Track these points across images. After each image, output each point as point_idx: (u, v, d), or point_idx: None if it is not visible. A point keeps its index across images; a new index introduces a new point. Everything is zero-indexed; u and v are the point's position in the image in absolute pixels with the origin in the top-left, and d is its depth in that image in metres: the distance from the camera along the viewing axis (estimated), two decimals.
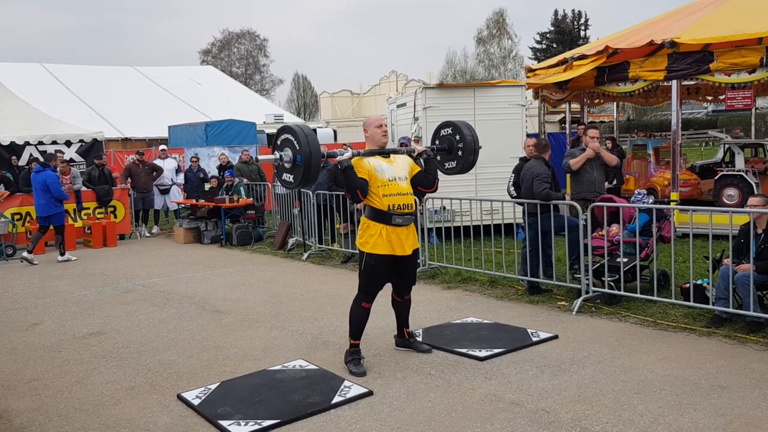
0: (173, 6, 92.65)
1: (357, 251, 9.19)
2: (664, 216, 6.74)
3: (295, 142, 4.61)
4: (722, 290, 5.64)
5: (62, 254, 10.81)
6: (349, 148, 4.98)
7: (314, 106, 57.70)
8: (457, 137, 5.49)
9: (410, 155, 5.25)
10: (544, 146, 7.31)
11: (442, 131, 5.63)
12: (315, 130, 21.17)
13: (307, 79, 63.96)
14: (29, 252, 10.61)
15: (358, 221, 9.12)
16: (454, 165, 5.55)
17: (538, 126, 14.32)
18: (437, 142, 5.60)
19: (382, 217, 4.91)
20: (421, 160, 5.25)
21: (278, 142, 4.80)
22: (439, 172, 5.41)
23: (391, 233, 4.91)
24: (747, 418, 3.94)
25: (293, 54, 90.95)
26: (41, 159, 13.57)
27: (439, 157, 5.54)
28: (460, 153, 5.48)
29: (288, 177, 4.76)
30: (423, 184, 5.19)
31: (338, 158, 4.84)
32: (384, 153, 5.08)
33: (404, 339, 5.48)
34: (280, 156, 4.71)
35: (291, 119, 30.39)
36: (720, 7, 10.75)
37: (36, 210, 10.76)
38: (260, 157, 5.03)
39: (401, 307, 5.37)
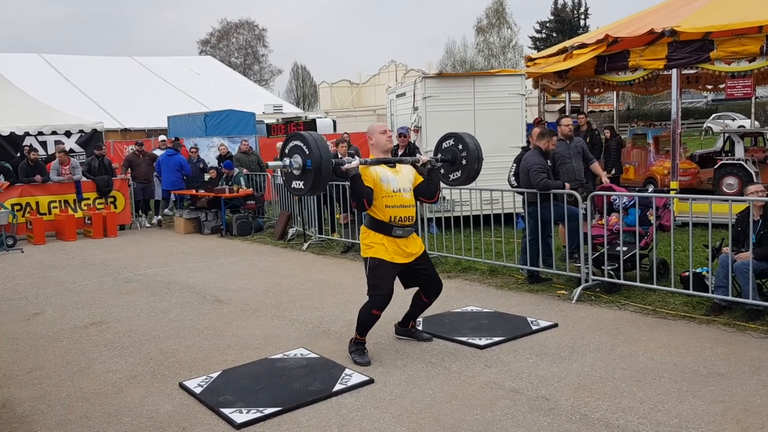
0: None
1: (357, 241, 9.28)
2: (664, 205, 6.74)
3: (304, 148, 4.57)
4: (721, 278, 5.66)
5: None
6: (356, 157, 4.97)
7: (313, 96, 57.62)
8: (460, 146, 5.48)
9: (414, 165, 5.23)
10: (540, 135, 7.28)
11: (444, 143, 5.61)
12: (314, 120, 21.25)
13: (306, 69, 63.96)
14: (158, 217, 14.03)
15: (358, 211, 9.20)
16: (459, 175, 5.54)
17: (539, 115, 14.31)
18: (440, 155, 5.57)
19: (383, 228, 4.90)
20: (425, 170, 5.22)
21: (286, 150, 4.75)
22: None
23: (392, 243, 4.91)
24: (745, 405, 3.97)
25: (292, 44, 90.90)
26: (40, 150, 13.61)
27: (443, 170, 5.54)
28: (464, 162, 5.46)
29: (298, 184, 4.71)
30: (425, 194, 5.15)
31: (345, 166, 4.82)
32: (389, 162, 5.06)
33: (406, 328, 5.49)
34: (290, 162, 4.66)
35: (290, 109, 30.38)
36: None
37: (164, 184, 13.66)
38: (270, 164, 4.97)
39: (421, 305, 5.35)
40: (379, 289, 4.91)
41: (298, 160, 4.63)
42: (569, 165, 7.72)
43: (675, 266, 6.32)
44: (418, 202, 5.21)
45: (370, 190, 4.84)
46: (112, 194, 13.01)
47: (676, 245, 6.39)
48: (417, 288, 5.29)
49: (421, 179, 5.17)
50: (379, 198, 4.87)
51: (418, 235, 5.24)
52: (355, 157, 5.01)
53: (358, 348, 5.02)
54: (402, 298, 5.49)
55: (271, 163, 4.92)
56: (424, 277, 5.16)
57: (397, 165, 5.11)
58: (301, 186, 4.70)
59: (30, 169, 12.34)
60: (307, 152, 4.56)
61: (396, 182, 4.96)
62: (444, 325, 5.77)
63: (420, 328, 5.64)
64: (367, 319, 4.97)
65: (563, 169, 7.68)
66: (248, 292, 7.42)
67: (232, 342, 5.63)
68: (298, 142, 4.66)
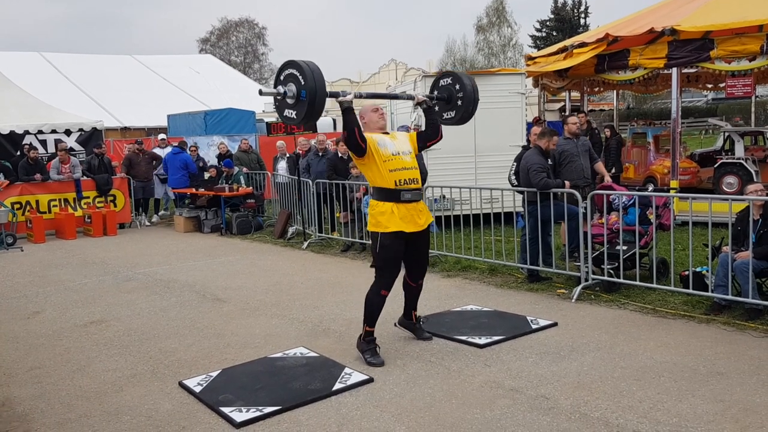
0: None
1: (357, 240, 9.29)
2: (664, 204, 6.74)
3: (300, 77, 4.46)
4: (721, 277, 5.66)
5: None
6: (351, 92, 4.89)
7: None
8: (457, 86, 5.45)
9: (410, 99, 5.29)
10: (540, 134, 7.29)
11: (442, 81, 5.57)
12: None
13: None
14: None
15: (358, 210, 9.21)
16: (453, 115, 5.52)
17: (539, 113, 14.31)
18: (436, 92, 5.54)
19: (391, 195, 4.85)
20: (421, 110, 5.27)
21: (281, 77, 4.64)
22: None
23: (402, 210, 4.86)
24: (745, 404, 3.97)
25: (292, 43, 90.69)
26: (40, 148, 13.61)
27: (437, 108, 5.51)
28: (459, 102, 5.44)
29: (290, 113, 4.62)
30: (428, 136, 5.20)
31: (340, 99, 4.75)
32: (386, 97, 5.07)
33: (410, 321, 5.45)
34: (284, 90, 4.56)
35: None
36: None
37: (171, 183, 13.90)
38: (262, 89, 4.89)
39: (413, 291, 5.33)
40: (388, 268, 4.89)
41: (292, 88, 4.53)
42: (577, 163, 7.69)
43: (675, 265, 6.32)
44: (428, 151, 5.26)
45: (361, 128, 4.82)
46: (111, 193, 13.03)
47: (675, 244, 6.39)
48: (404, 279, 5.29)
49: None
50: (380, 163, 4.84)
51: (431, 214, 5.24)
52: (351, 92, 4.91)
53: (369, 347, 4.94)
54: (402, 297, 5.49)
55: (264, 89, 4.86)
56: (417, 255, 5.12)
57: (393, 132, 5.17)
58: (294, 116, 4.62)
59: (30, 167, 12.34)
60: (303, 82, 4.45)
61: (393, 146, 4.95)
62: (444, 324, 5.76)
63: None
64: (375, 302, 4.92)
65: (571, 167, 7.64)
66: (248, 291, 7.42)
67: (232, 341, 5.63)
68: (293, 71, 4.53)
